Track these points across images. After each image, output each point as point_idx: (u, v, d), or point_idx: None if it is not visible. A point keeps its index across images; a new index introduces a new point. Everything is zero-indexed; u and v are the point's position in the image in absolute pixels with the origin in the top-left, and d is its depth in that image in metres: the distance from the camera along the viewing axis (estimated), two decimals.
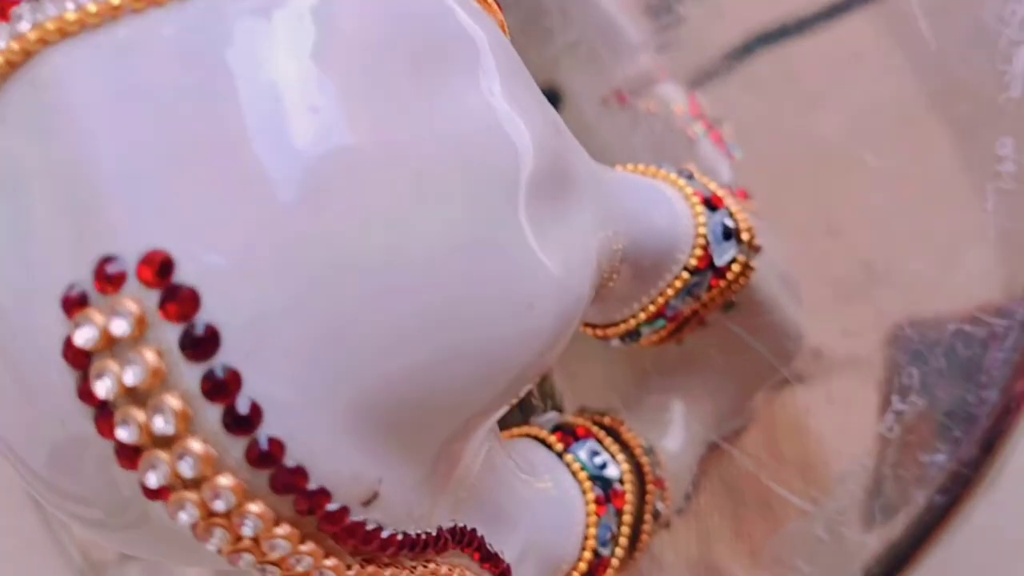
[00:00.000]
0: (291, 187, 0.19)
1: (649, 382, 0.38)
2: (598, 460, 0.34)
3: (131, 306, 0.19)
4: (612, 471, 0.34)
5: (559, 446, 0.34)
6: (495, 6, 0.24)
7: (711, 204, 0.33)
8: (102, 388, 0.19)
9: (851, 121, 0.35)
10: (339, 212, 0.19)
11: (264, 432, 0.19)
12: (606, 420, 0.36)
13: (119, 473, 0.20)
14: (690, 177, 0.33)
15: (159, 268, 0.19)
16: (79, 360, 0.19)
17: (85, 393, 0.19)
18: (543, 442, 0.34)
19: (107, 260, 0.19)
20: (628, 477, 0.34)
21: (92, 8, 0.19)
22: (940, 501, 0.34)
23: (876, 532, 0.35)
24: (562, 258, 0.23)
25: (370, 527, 0.22)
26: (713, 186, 0.33)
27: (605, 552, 0.33)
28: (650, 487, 0.36)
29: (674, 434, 0.38)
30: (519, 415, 0.37)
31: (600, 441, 0.35)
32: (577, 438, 0.34)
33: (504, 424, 0.35)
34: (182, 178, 0.19)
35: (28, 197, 0.20)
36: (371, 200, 0.20)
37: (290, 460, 0.20)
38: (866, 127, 0.35)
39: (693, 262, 0.32)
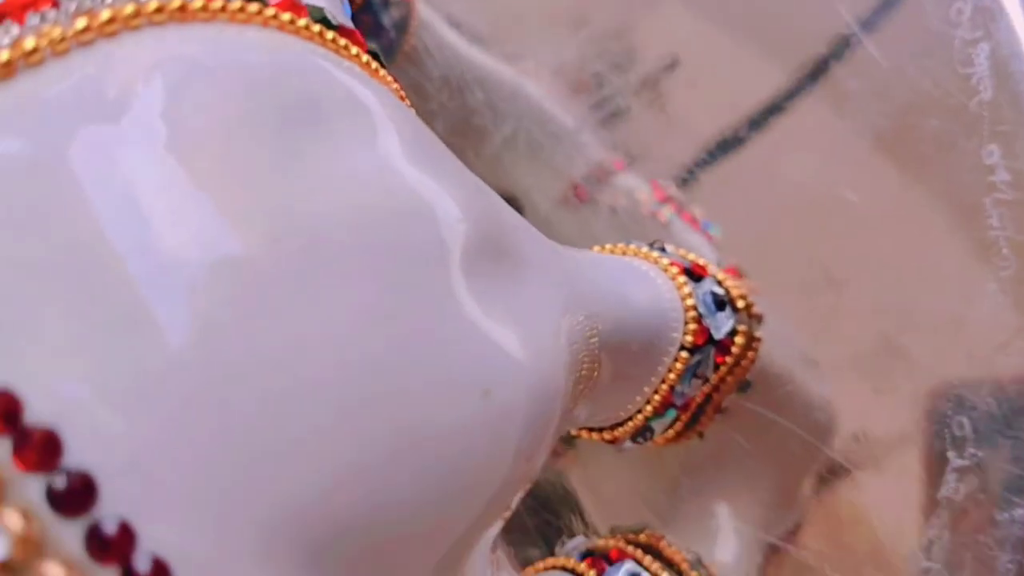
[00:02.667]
0: (161, 294, 0.16)
1: (681, 488, 0.35)
2: None
3: None
4: None
5: (591, 574, 0.30)
6: (388, 77, 0.22)
7: (693, 275, 0.30)
8: None
9: (820, 160, 0.32)
10: (221, 316, 0.17)
11: None
12: (642, 537, 0.33)
13: None
14: (663, 250, 0.31)
15: (5, 409, 0.16)
16: None
17: None
18: (572, 572, 0.31)
19: None
20: None
21: None
22: None
23: None
24: (519, 337, 0.20)
25: None
26: (692, 256, 0.31)
27: None
28: None
29: (725, 543, 0.34)
30: (543, 546, 0.34)
31: (639, 562, 0.31)
32: (611, 562, 0.31)
33: (526, 559, 0.32)
34: (24, 295, 0.16)
35: None
36: (258, 297, 0.17)
37: None
38: (838, 163, 0.32)
39: (689, 339, 0.29)
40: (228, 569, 0.16)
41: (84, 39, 0.17)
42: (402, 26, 0.39)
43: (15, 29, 0.17)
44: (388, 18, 0.39)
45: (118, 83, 0.17)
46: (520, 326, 0.21)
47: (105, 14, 0.17)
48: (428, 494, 0.18)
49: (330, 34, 0.20)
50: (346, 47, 0.21)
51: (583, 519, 0.36)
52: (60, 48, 0.17)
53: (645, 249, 0.30)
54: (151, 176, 0.17)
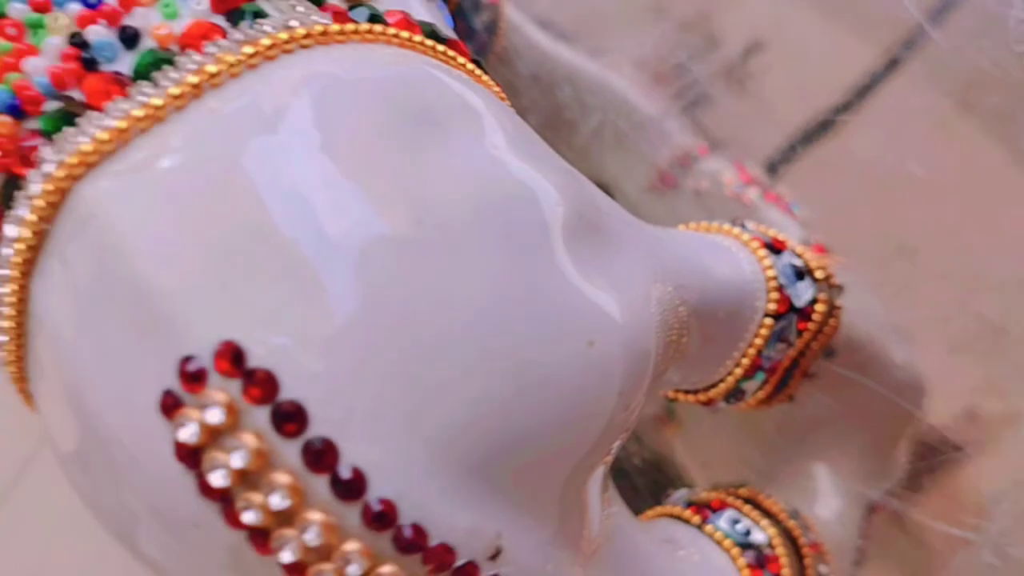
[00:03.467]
0: (332, 270, 0.21)
1: (779, 451, 0.38)
2: (740, 527, 0.34)
3: (219, 396, 0.21)
4: (758, 536, 0.34)
5: (696, 519, 0.34)
6: (490, 81, 0.26)
7: (773, 248, 0.33)
8: (218, 478, 0.21)
9: (887, 136, 0.35)
10: (381, 284, 0.21)
11: (374, 495, 0.21)
12: (742, 491, 0.36)
13: (251, 561, 0.22)
14: (743, 226, 0.34)
15: (233, 357, 0.21)
16: (192, 459, 0.21)
17: (205, 489, 0.21)
18: (678, 519, 0.34)
19: (186, 360, 0.21)
20: (778, 541, 0.34)
21: (104, 136, 0.22)
22: None
23: None
24: (616, 300, 0.24)
25: None
26: (772, 232, 0.34)
27: None
28: (805, 550, 0.35)
29: (825, 500, 0.37)
30: (650, 500, 0.37)
31: (739, 510, 0.35)
32: (713, 510, 0.34)
33: (636, 513, 0.35)
34: (231, 274, 0.21)
35: (102, 323, 0.22)
36: (408, 268, 0.21)
37: (406, 519, 0.21)
38: (904, 139, 0.35)
39: (772, 307, 0.33)
40: (410, 476, 0.21)
41: (252, 62, 0.22)
42: (492, 28, 0.43)
43: (196, 56, 0.22)
44: (479, 22, 0.42)
45: (276, 98, 0.22)
46: (615, 291, 0.25)
47: (265, 41, 0.22)
48: (554, 422, 0.23)
49: (440, 47, 0.25)
50: (454, 57, 0.25)
51: (687, 481, 0.39)
52: (234, 71, 0.22)
53: (727, 226, 0.34)
54: (311, 174, 0.22)
